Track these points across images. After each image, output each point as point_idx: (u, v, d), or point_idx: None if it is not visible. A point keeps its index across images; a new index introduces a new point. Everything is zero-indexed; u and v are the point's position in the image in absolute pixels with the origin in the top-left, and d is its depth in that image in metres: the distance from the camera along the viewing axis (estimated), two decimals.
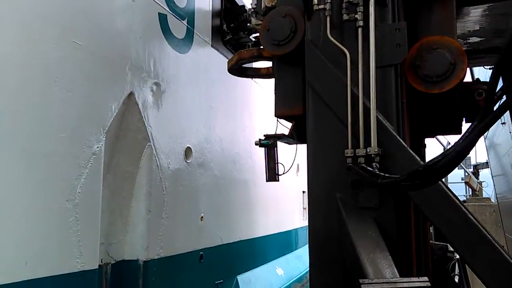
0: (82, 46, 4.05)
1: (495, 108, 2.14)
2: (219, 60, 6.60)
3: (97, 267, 4.19)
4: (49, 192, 3.71)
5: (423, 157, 4.46)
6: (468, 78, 4.02)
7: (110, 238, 4.64)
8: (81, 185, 3.97)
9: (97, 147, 4.19)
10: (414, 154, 3.26)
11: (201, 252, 5.87)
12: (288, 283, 8.81)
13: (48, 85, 3.73)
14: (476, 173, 25.19)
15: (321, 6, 3.80)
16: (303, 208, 10.82)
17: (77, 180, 3.94)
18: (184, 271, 5.52)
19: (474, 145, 2.29)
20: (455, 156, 2.31)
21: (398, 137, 3.36)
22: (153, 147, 4.95)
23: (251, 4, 4.82)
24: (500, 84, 2.12)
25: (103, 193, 4.33)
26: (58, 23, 3.84)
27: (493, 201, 17.42)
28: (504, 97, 2.10)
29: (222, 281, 6.44)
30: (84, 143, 4.05)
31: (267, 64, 5.13)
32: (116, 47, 4.53)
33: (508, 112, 2.20)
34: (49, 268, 3.65)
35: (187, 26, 5.90)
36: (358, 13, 3.62)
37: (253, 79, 7.30)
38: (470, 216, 2.91)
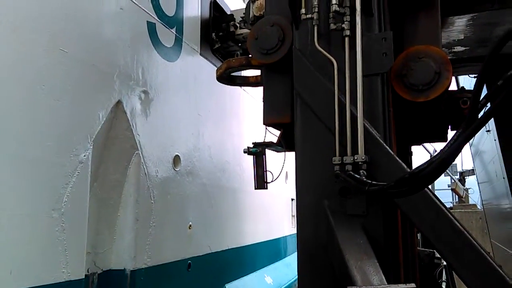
0: (70, 53, 4.03)
1: (479, 115, 2.17)
2: (207, 68, 6.62)
3: (84, 277, 4.13)
4: (35, 201, 3.65)
5: (409, 164, 4.51)
6: (453, 87, 4.09)
7: (97, 247, 4.58)
8: (67, 194, 3.92)
9: (84, 156, 4.15)
10: (400, 161, 3.29)
11: (189, 261, 5.82)
12: None
13: (35, 92, 3.69)
14: (462, 180, 25.48)
15: (309, 16, 3.84)
16: (292, 215, 10.81)
17: (64, 189, 3.90)
18: (172, 280, 5.46)
19: (459, 152, 2.32)
20: (440, 163, 2.34)
21: (385, 144, 3.39)
22: (141, 155, 4.93)
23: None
24: (484, 92, 2.16)
25: (90, 202, 4.28)
26: (46, 31, 3.82)
27: (479, 208, 17.58)
28: (489, 105, 2.14)
29: None
30: (71, 152, 4.01)
31: (256, 72, 5.16)
32: (104, 55, 4.51)
33: (492, 120, 2.25)
34: (35, 278, 3.59)
35: (175, 35, 5.91)
36: (345, 22, 3.67)
37: (242, 87, 7.32)
38: (457, 222, 2.94)
